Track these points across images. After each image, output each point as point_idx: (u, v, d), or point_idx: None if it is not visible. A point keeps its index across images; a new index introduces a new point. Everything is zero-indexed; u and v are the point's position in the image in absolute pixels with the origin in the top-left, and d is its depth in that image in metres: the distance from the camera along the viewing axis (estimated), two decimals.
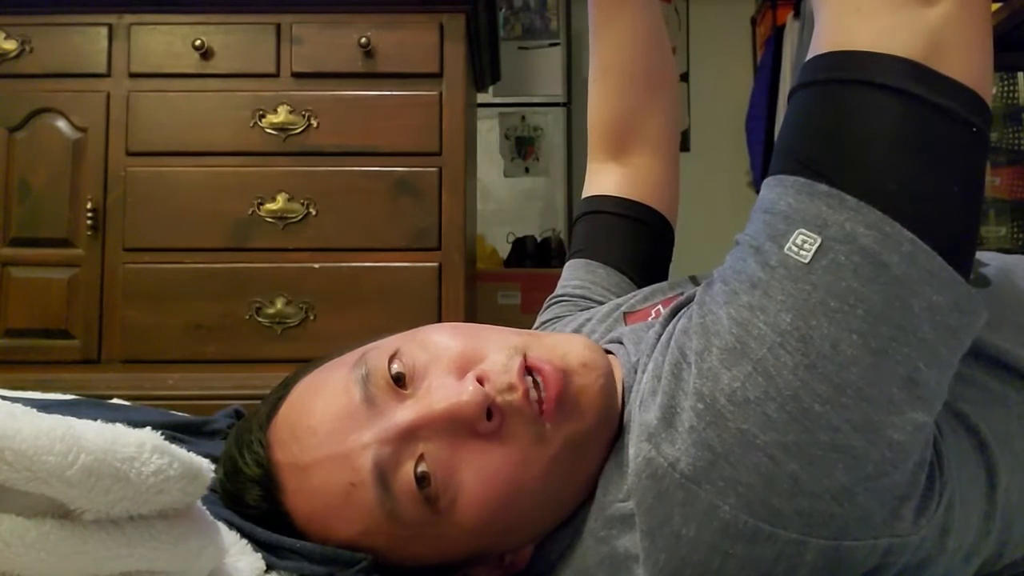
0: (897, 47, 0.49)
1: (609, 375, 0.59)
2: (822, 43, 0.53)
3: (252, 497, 0.57)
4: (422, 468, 0.53)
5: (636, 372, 0.61)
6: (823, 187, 0.50)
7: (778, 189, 0.53)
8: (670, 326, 0.59)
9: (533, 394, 0.54)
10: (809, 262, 0.49)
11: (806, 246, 0.49)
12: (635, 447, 0.54)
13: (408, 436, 0.53)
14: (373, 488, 0.53)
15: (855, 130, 0.50)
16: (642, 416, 0.54)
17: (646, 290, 0.81)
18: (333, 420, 0.55)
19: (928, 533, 0.52)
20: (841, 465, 0.48)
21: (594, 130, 1.00)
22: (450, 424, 0.53)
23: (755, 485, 0.49)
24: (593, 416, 0.57)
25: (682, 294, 0.74)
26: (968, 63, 0.50)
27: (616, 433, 0.59)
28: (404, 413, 0.54)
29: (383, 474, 0.53)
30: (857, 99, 0.50)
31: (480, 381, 0.54)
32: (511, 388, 0.54)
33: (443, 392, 0.54)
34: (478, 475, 0.53)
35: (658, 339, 0.60)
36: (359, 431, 0.54)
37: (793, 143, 0.54)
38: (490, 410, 0.53)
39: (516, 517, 0.56)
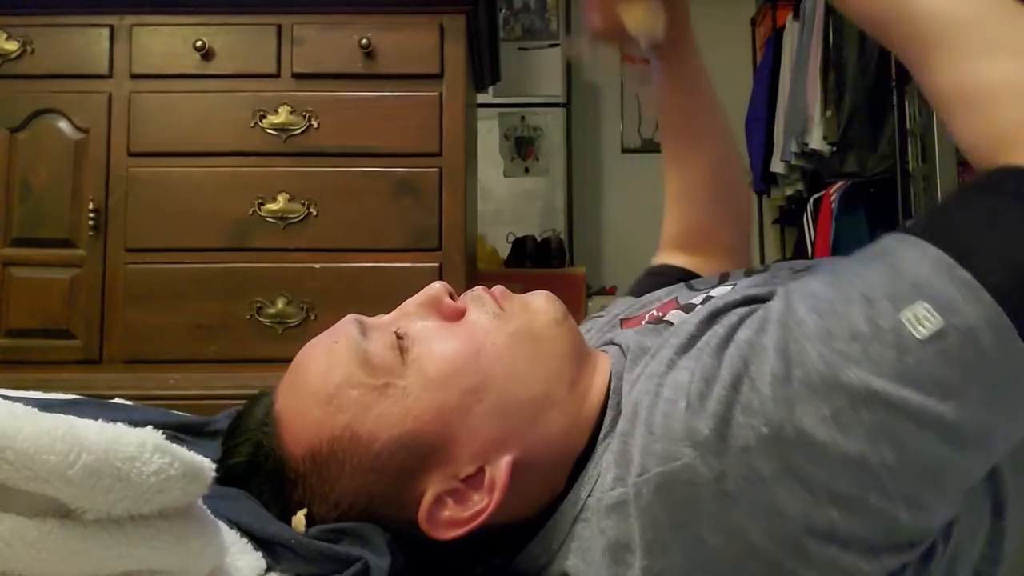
0: None
1: (566, 313, 0.65)
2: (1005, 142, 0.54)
3: (244, 447, 0.62)
4: (399, 330, 0.62)
5: (628, 360, 0.63)
6: (965, 274, 0.49)
7: (915, 252, 0.52)
8: (718, 329, 0.58)
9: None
10: (923, 340, 0.49)
11: (926, 323, 0.49)
12: (667, 447, 0.53)
13: (388, 323, 0.64)
14: (352, 338, 0.61)
15: (1017, 243, 0.50)
16: (685, 417, 0.53)
17: (643, 299, 0.82)
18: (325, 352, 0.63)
19: None
20: (880, 528, 0.50)
21: (666, 231, 1.01)
22: (420, 307, 0.64)
23: (793, 519, 0.50)
24: (545, 319, 0.63)
25: (676, 299, 0.74)
26: None
27: (599, 412, 0.61)
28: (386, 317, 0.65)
29: (363, 325, 0.63)
30: None
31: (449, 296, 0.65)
32: (474, 293, 0.65)
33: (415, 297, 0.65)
34: (444, 338, 0.61)
35: (691, 339, 0.59)
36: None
37: (954, 219, 0.54)
38: (452, 296, 0.64)
39: (478, 375, 0.59)
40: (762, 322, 0.55)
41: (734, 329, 0.56)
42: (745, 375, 0.52)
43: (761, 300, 0.60)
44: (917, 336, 0.49)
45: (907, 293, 0.50)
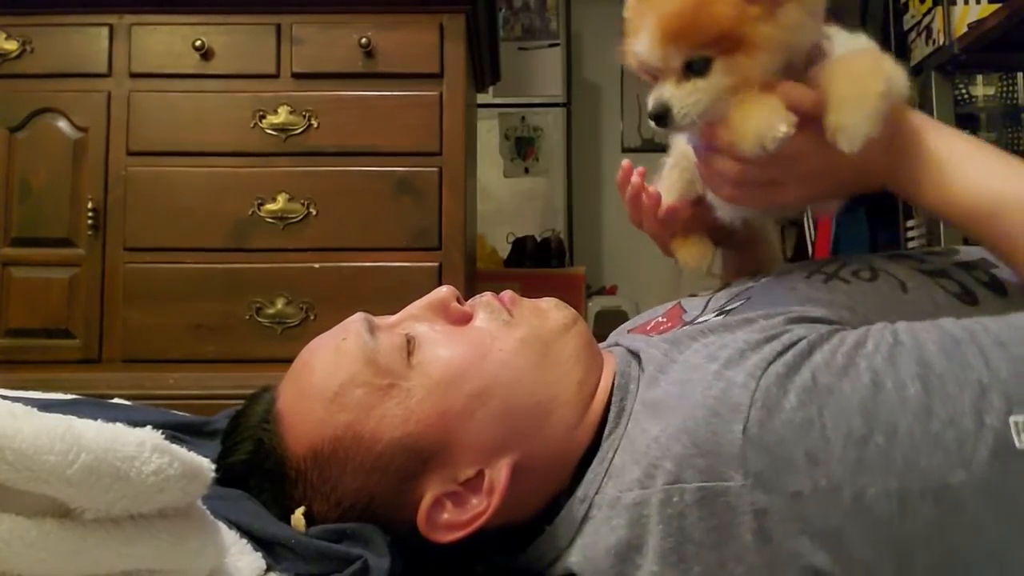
0: None
1: (576, 317, 0.65)
2: None
3: (245, 445, 0.62)
4: (406, 332, 0.62)
5: (633, 361, 0.62)
6: None
7: None
8: (778, 348, 0.55)
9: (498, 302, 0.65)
10: (1021, 450, 0.47)
11: None
12: (713, 464, 0.51)
13: (394, 323, 0.64)
14: (361, 335, 0.61)
15: None
16: (741, 443, 0.51)
17: (645, 315, 0.82)
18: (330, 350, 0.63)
19: None
20: None
21: None
22: (427, 309, 0.64)
23: (823, 571, 0.49)
24: (555, 324, 0.63)
25: (679, 303, 0.74)
26: None
27: (604, 410, 0.61)
28: (392, 317, 0.65)
29: (371, 324, 0.63)
30: None
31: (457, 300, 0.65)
32: (483, 299, 0.65)
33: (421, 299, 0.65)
34: (450, 342, 0.61)
35: (741, 354, 0.55)
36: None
37: None
38: (459, 300, 0.64)
39: (482, 380, 0.59)
40: (848, 363, 0.52)
41: (804, 356, 0.53)
42: (817, 420, 0.50)
43: (827, 322, 0.58)
44: (1018, 445, 0.47)
45: (1020, 396, 0.48)
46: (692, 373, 0.56)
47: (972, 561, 0.47)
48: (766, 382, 0.52)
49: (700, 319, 0.68)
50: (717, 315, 0.67)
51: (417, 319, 0.64)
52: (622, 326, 0.86)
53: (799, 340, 0.55)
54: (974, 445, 0.47)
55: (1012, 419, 0.47)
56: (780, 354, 0.54)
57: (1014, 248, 0.59)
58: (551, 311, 0.65)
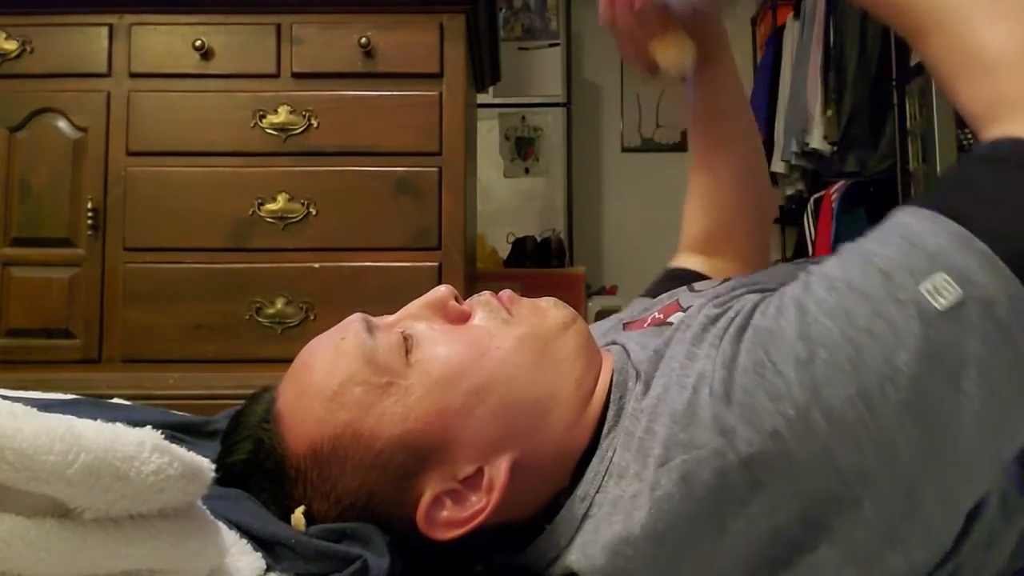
0: None
1: (575, 316, 0.65)
2: (994, 120, 0.55)
3: (245, 444, 0.62)
4: (404, 331, 0.62)
5: (632, 362, 0.63)
6: (982, 245, 0.50)
7: (930, 226, 0.52)
8: (735, 316, 0.58)
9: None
10: (943, 311, 0.49)
11: (945, 293, 0.49)
12: (692, 433, 0.53)
13: (393, 323, 0.64)
14: (360, 335, 0.61)
15: None
16: (711, 405, 0.53)
17: (646, 302, 0.83)
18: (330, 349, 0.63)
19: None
20: (908, 514, 0.50)
21: (685, 235, 1.01)
22: (425, 308, 0.64)
23: (821, 502, 0.50)
24: (553, 323, 0.63)
25: (678, 301, 0.74)
26: None
27: (603, 408, 0.61)
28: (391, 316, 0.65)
29: (369, 324, 0.63)
30: None
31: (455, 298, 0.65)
32: (481, 298, 0.66)
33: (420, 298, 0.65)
34: (448, 340, 0.61)
35: (704, 328, 0.59)
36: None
37: (965, 193, 0.54)
38: (457, 299, 0.64)
39: (480, 377, 0.59)
40: (779, 306, 0.54)
41: (749, 315, 0.56)
42: (767, 360, 0.52)
43: (771, 290, 0.60)
44: (937, 308, 0.49)
45: (926, 267, 0.50)
46: (672, 362, 0.58)
47: (947, 428, 0.49)
48: (724, 345, 0.55)
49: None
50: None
51: (415, 318, 0.64)
52: (615, 316, 0.85)
53: (748, 304, 0.58)
54: (904, 324, 0.49)
55: (922, 288, 0.49)
56: (733, 319, 0.57)
57: (936, 68, 0.60)
58: (550, 310, 0.65)
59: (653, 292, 0.90)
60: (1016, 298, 0.49)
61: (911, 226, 0.53)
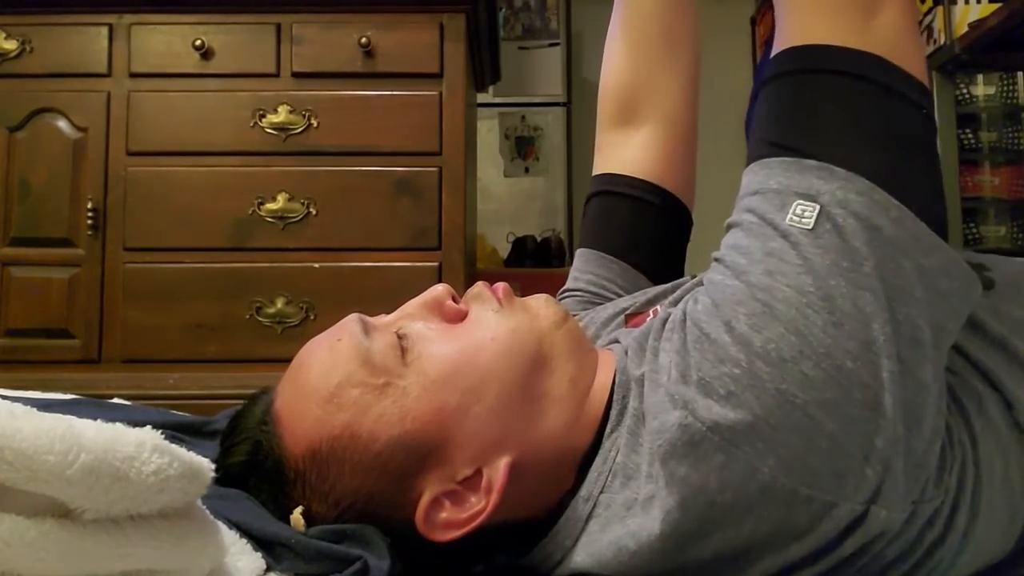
0: (859, 45, 0.57)
1: (566, 315, 0.65)
2: (788, 40, 0.59)
3: (243, 446, 0.62)
4: (400, 331, 0.62)
5: (632, 360, 0.63)
6: (811, 162, 0.54)
7: (763, 172, 0.56)
8: (675, 312, 0.60)
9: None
10: (813, 228, 0.53)
11: (806, 214, 0.53)
12: (661, 419, 0.54)
13: (389, 323, 0.64)
14: (355, 336, 0.61)
15: (831, 113, 0.56)
16: (670, 387, 0.55)
17: (650, 291, 0.82)
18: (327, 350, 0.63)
19: (940, 506, 0.55)
20: (874, 426, 0.50)
21: (605, 93, 0.98)
22: (422, 307, 0.64)
23: (795, 446, 0.50)
24: (545, 322, 0.63)
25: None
26: (912, 60, 0.57)
27: (604, 408, 0.62)
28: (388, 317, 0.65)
29: (366, 324, 0.63)
30: (831, 86, 0.57)
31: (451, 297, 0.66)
32: (474, 291, 0.66)
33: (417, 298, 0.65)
34: (445, 339, 0.61)
35: (663, 326, 0.61)
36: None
37: (772, 130, 0.58)
38: (454, 299, 0.65)
39: (477, 375, 0.59)
40: (702, 290, 0.58)
41: (686, 304, 0.59)
42: (701, 334, 0.54)
43: None
44: (808, 227, 0.53)
45: (780, 201, 0.54)
46: (655, 361, 0.59)
47: (869, 321, 0.51)
48: (675, 337, 0.57)
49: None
50: None
51: (412, 318, 0.64)
52: (613, 304, 0.84)
53: (689, 296, 0.60)
54: (791, 254, 0.53)
55: (788, 220, 0.54)
56: (688, 302, 0.59)
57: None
58: (541, 307, 0.65)
59: (591, 240, 0.93)
60: (864, 191, 0.53)
61: (750, 181, 0.58)
